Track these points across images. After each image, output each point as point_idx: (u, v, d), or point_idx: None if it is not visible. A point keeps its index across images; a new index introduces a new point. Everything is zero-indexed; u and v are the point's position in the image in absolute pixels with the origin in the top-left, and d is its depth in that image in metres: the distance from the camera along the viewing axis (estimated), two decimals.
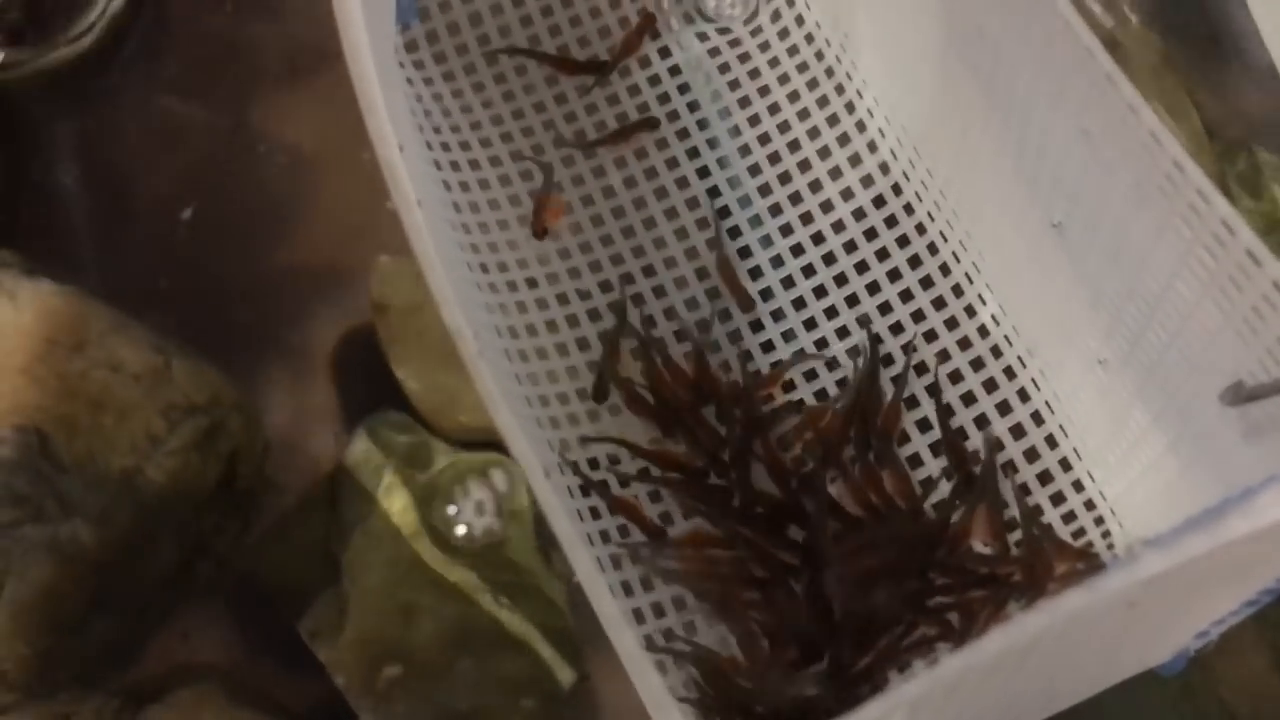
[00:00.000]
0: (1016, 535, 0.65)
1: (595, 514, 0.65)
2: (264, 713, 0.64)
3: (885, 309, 0.70)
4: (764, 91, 0.75)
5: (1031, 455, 0.67)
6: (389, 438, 0.69)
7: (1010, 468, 0.66)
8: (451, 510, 0.67)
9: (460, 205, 0.71)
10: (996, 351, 0.69)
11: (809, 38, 0.76)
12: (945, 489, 0.66)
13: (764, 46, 0.76)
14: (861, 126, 0.74)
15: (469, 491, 0.67)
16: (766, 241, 0.72)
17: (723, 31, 0.76)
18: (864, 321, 0.70)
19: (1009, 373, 0.68)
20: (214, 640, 0.67)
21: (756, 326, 0.70)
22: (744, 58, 0.76)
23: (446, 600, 0.65)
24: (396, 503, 0.67)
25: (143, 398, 0.64)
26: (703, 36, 0.76)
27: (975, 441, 0.67)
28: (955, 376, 0.69)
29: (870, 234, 0.72)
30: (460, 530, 0.66)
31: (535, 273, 0.70)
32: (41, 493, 0.61)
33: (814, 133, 0.74)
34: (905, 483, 0.65)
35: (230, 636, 0.67)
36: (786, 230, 0.72)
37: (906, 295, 0.70)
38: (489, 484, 0.68)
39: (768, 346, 0.70)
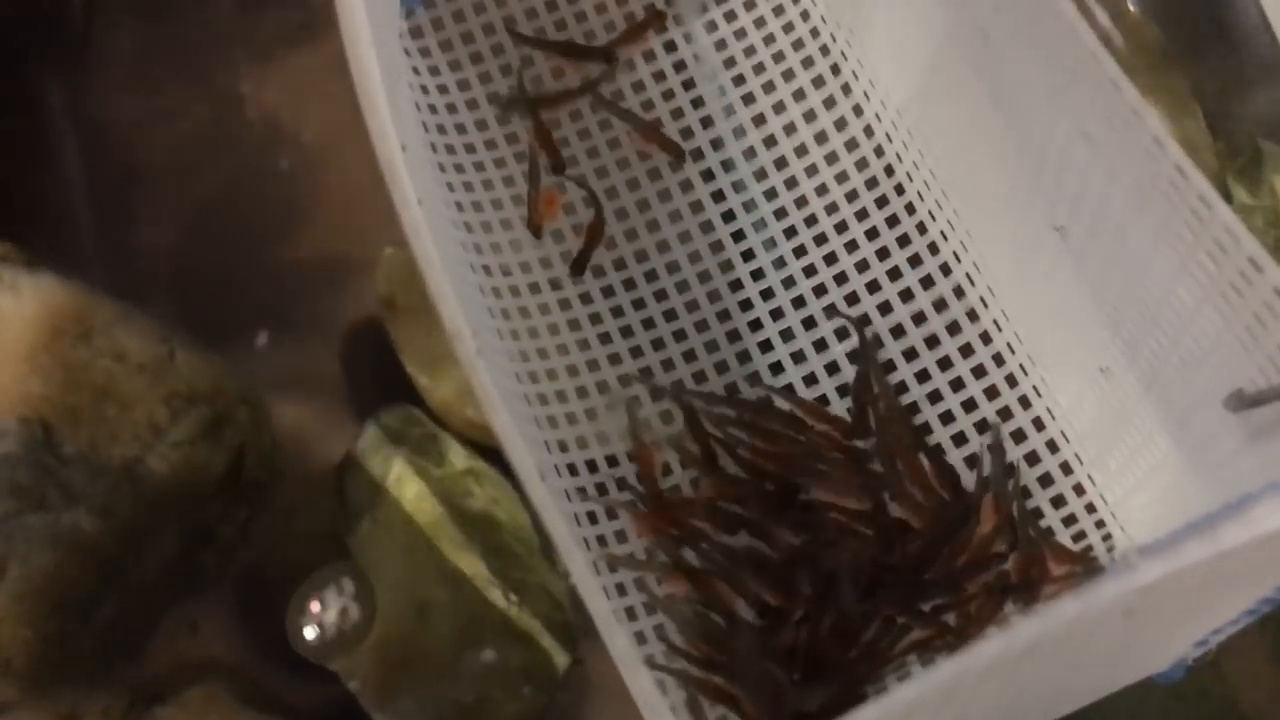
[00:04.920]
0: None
1: (593, 519, 0.65)
2: (274, 714, 0.65)
3: (885, 309, 0.70)
4: (769, 88, 0.75)
5: (1032, 459, 0.67)
6: (399, 429, 0.69)
7: (1011, 470, 0.66)
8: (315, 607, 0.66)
9: (463, 205, 0.71)
10: (999, 359, 0.69)
11: (814, 32, 0.75)
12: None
13: (769, 40, 0.75)
14: (870, 132, 0.73)
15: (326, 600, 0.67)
16: (770, 244, 0.72)
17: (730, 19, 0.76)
18: (863, 322, 0.70)
19: (1010, 380, 0.68)
20: (222, 634, 0.67)
21: (755, 326, 0.70)
22: (749, 51, 0.75)
23: (459, 595, 0.65)
24: (409, 490, 0.67)
25: (146, 388, 0.64)
26: (711, 26, 0.76)
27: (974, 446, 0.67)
28: (957, 384, 0.69)
29: (871, 234, 0.72)
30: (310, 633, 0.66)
31: (538, 277, 0.70)
32: (43, 483, 0.61)
33: (821, 137, 0.74)
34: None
35: (239, 630, 0.67)
36: (791, 233, 0.72)
37: (907, 295, 0.70)
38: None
39: (765, 346, 0.70)
